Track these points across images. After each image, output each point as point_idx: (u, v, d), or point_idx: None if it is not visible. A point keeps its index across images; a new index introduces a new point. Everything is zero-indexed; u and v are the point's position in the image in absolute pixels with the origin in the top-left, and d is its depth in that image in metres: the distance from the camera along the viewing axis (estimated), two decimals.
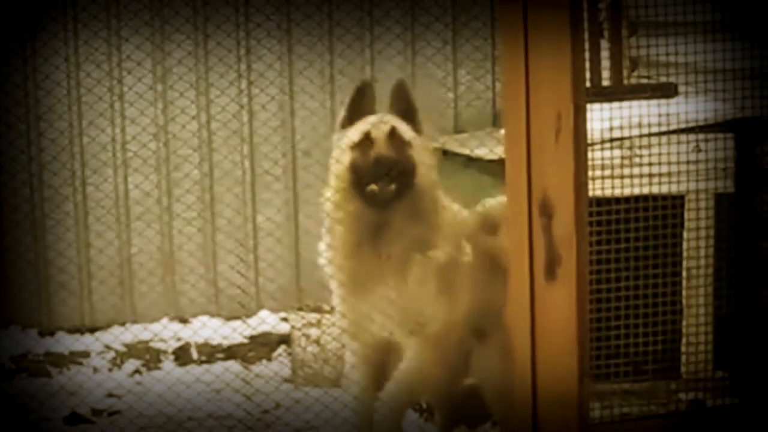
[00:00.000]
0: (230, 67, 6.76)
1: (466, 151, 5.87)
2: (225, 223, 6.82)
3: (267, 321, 6.69)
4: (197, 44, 6.76)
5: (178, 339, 6.59)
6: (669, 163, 4.85)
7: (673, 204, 4.91)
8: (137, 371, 6.40)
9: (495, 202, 4.81)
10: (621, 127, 4.77)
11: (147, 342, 6.54)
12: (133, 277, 6.77)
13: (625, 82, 5.19)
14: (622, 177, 4.87)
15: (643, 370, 4.79)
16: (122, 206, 6.76)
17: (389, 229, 4.53)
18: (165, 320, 6.72)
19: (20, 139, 6.66)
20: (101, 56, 6.68)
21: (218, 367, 6.42)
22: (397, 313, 4.56)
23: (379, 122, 4.56)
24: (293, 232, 6.86)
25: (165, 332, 6.60)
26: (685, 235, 4.96)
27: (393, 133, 4.53)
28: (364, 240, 4.52)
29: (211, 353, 6.56)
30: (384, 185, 4.47)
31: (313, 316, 6.19)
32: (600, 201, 4.66)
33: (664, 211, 4.85)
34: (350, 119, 4.61)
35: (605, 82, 4.99)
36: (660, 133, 4.90)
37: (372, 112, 4.60)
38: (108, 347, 6.50)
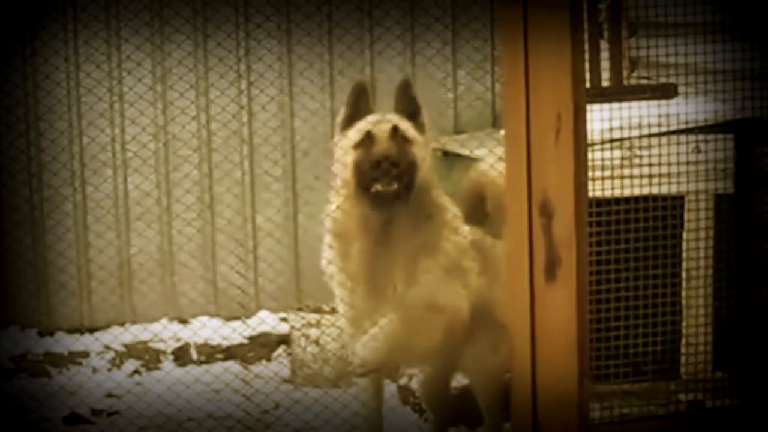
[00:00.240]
0: (230, 67, 6.76)
1: (466, 152, 5.87)
2: (225, 224, 6.82)
3: (266, 321, 6.69)
4: (197, 45, 6.76)
5: (178, 339, 6.59)
6: (669, 164, 4.85)
7: (673, 205, 4.92)
8: (137, 371, 6.41)
9: (487, 166, 4.82)
10: (621, 128, 4.77)
11: (146, 342, 6.54)
12: (133, 278, 6.77)
13: (625, 82, 5.20)
14: (622, 177, 4.87)
15: (643, 371, 4.79)
16: (122, 207, 6.76)
17: (394, 230, 4.51)
18: (164, 320, 6.72)
19: (20, 140, 6.66)
20: (101, 57, 6.68)
21: (218, 367, 6.42)
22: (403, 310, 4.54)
23: (380, 120, 4.55)
24: (293, 233, 6.86)
25: (164, 332, 6.60)
26: (684, 235, 4.96)
27: (395, 131, 4.51)
28: (371, 244, 4.50)
29: (210, 353, 6.56)
30: (387, 183, 4.45)
31: (313, 317, 6.19)
32: (600, 201, 4.66)
33: (663, 212, 4.86)
34: (350, 120, 4.59)
35: (605, 83, 5.00)
36: (660, 134, 4.90)
37: (370, 111, 4.59)
38: (107, 347, 6.50)
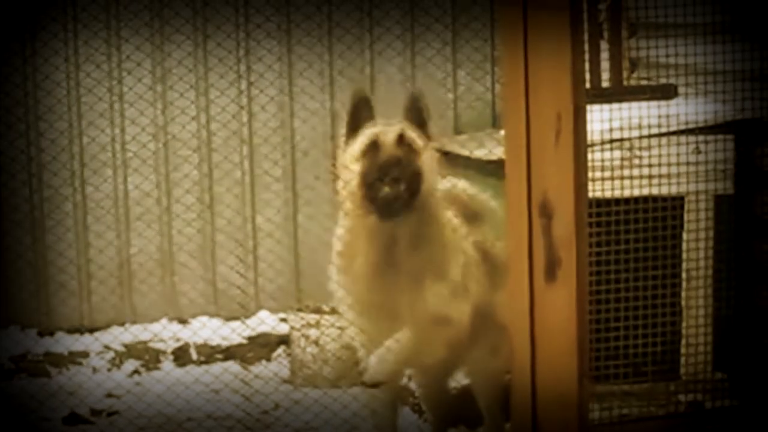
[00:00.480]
0: (230, 68, 6.76)
1: (466, 153, 5.87)
2: (224, 224, 6.82)
3: (266, 322, 6.69)
4: (197, 45, 6.77)
5: (178, 339, 6.59)
6: (669, 165, 4.85)
7: (673, 205, 4.92)
8: (136, 371, 6.41)
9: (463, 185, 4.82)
10: (621, 129, 4.78)
11: (146, 342, 6.54)
12: (133, 278, 6.77)
13: (625, 83, 5.21)
14: (622, 178, 4.87)
15: (643, 372, 4.80)
16: (122, 207, 6.76)
17: (401, 243, 4.48)
18: (164, 321, 6.72)
19: (20, 139, 6.66)
20: (101, 57, 6.68)
21: (217, 367, 6.42)
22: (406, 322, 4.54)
23: (387, 127, 4.53)
24: (293, 233, 6.86)
25: (164, 333, 6.60)
26: (684, 236, 4.96)
27: (401, 138, 4.50)
28: (380, 255, 4.48)
29: (210, 354, 6.56)
30: (394, 185, 4.42)
31: (313, 317, 6.19)
32: (600, 202, 4.67)
33: (663, 213, 4.86)
34: (352, 132, 4.56)
35: (605, 84, 5.01)
36: (660, 135, 4.90)
37: (372, 119, 4.57)
38: (107, 347, 6.50)
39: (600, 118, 4.64)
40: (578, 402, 3.46)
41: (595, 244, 4.53)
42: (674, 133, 4.89)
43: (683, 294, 4.99)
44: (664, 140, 4.88)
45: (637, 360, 4.78)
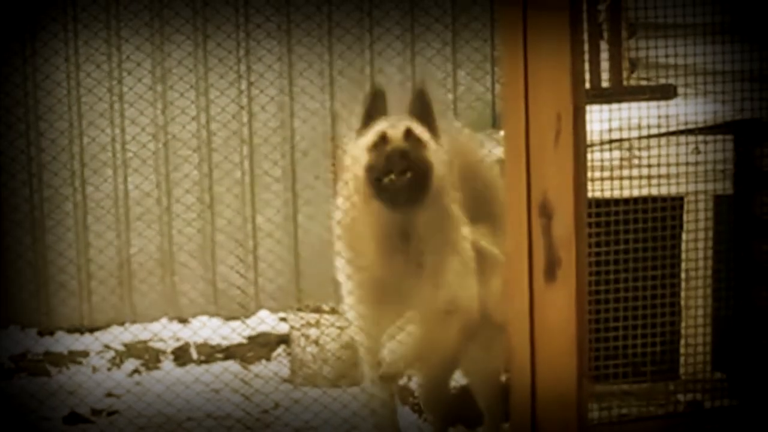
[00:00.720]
0: (230, 68, 6.77)
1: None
2: (224, 224, 6.82)
3: (266, 321, 6.69)
4: (197, 45, 6.77)
5: (178, 339, 6.59)
6: (668, 165, 4.86)
7: (673, 205, 4.92)
8: (136, 371, 6.41)
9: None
10: (620, 129, 4.78)
11: (146, 342, 6.54)
12: (133, 277, 6.77)
13: (625, 83, 5.21)
14: (621, 178, 4.87)
15: (642, 372, 4.80)
16: (122, 206, 6.76)
17: (408, 231, 4.51)
18: (164, 320, 6.72)
19: (20, 139, 6.66)
20: (101, 57, 6.69)
21: (217, 367, 6.42)
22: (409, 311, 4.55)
23: (395, 123, 4.56)
24: (293, 233, 6.87)
25: (164, 332, 6.60)
26: (684, 236, 4.97)
27: (409, 133, 4.53)
28: (383, 242, 4.50)
29: (210, 353, 6.56)
30: (400, 173, 4.44)
31: (312, 317, 6.20)
32: (599, 202, 4.67)
33: (663, 213, 4.86)
34: (365, 125, 4.60)
35: (605, 84, 5.01)
36: (659, 135, 4.91)
37: (385, 115, 4.60)
38: (107, 347, 6.50)
39: (600, 119, 4.65)
40: (577, 402, 3.46)
41: (594, 244, 4.54)
42: (674, 133, 4.90)
43: (682, 294, 4.99)
44: (663, 140, 4.89)
45: (637, 360, 4.78)
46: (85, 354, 6.46)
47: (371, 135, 4.54)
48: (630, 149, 4.93)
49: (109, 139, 6.74)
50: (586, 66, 4.55)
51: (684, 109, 4.87)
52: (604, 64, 5.01)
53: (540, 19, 3.37)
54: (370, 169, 4.50)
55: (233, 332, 6.62)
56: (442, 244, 4.53)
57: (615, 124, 4.74)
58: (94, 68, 6.67)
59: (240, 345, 6.59)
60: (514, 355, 3.46)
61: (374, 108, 4.61)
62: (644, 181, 4.88)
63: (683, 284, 4.98)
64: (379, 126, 4.55)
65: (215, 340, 6.60)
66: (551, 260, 3.41)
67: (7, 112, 6.63)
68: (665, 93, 4.95)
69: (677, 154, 4.84)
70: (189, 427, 5.63)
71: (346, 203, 4.57)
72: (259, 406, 5.89)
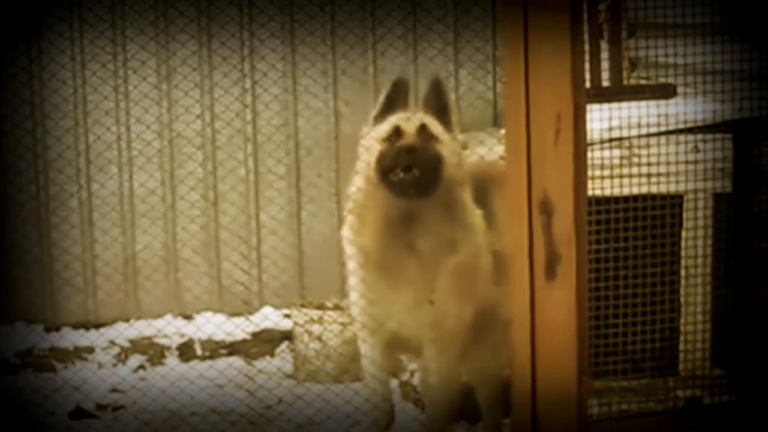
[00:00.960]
0: (234, 66, 6.78)
1: (467, 151, 5.89)
2: (229, 221, 6.83)
3: (270, 318, 6.70)
4: (201, 44, 6.78)
5: (182, 335, 6.59)
6: (668, 163, 4.85)
7: (672, 203, 4.92)
8: (141, 367, 6.42)
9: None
10: (620, 128, 4.78)
11: (151, 338, 6.54)
12: (138, 274, 6.78)
13: (625, 82, 5.20)
14: (621, 177, 4.87)
15: (641, 368, 4.80)
16: (127, 204, 6.78)
17: (416, 221, 4.52)
18: (169, 316, 6.74)
19: (26, 137, 6.68)
20: (107, 55, 6.70)
21: (221, 363, 6.43)
22: (418, 302, 4.57)
23: (410, 117, 4.58)
24: (296, 230, 6.88)
25: (169, 328, 6.60)
26: (683, 234, 4.97)
27: (423, 128, 4.54)
28: (390, 229, 4.52)
29: (214, 349, 6.57)
30: (408, 170, 4.46)
31: (316, 313, 6.21)
32: (599, 200, 4.67)
33: (662, 211, 4.86)
34: (383, 114, 4.61)
35: (605, 83, 5.01)
36: (659, 134, 4.91)
37: (405, 107, 4.61)
38: (112, 343, 6.51)
39: (600, 117, 4.65)
40: (578, 398, 3.46)
41: (594, 241, 4.55)
42: (673, 132, 4.90)
43: (682, 291, 4.99)
44: (663, 139, 4.89)
45: (636, 356, 4.78)
46: (91, 350, 6.47)
47: (386, 127, 4.56)
48: (630, 148, 4.94)
49: (115, 137, 6.75)
50: (587, 65, 4.55)
51: (683, 108, 4.87)
52: (605, 64, 5.01)
53: (541, 19, 3.38)
54: (380, 160, 4.52)
55: (237, 328, 6.63)
56: (445, 238, 4.55)
57: (615, 123, 4.74)
58: (100, 67, 6.69)
59: (244, 341, 6.60)
60: (515, 352, 3.47)
61: (395, 98, 4.61)
62: (644, 180, 4.88)
63: (683, 281, 4.98)
64: (395, 118, 4.56)
65: (219, 337, 6.60)
66: (552, 258, 3.42)
67: (14, 110, 6.63)
68: (665, 92, 4.95)
69: (677, 153, 4.83)
70: (193, 422, 5.64)
71: (358, 192, 4.58)
72: (263, 401, 5.90)
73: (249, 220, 6.86)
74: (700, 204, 4.94)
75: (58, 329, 6.65)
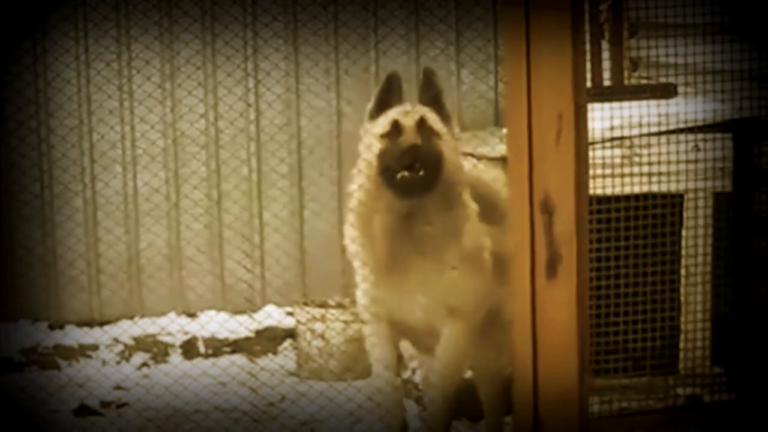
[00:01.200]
0: (238, 66, 6.78)
1: (469, 150, 5.91)
2: (232, 220, 6.84)
3: (273, 316, 6.69)
4: (205, 43, 6.79)
5: (186, 333, 6.59)
6: (668, 163, 4.85)
7: (673, 202, 4.93)
8: (145, 364, 6.43)
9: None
10: (621, 127, 4.80)
11: (155, 336, 6.55)
12: (142, 272, 6.78)
13: (626, 82, 5.21)
14: (622, 176, 4.88)
15: (642, 366, 4.81)
16: (131, 203, 6.78)
17: (417, 217, 4.52)
18: (172, 314, 6.73)
19: (31, 136, 6.68)
20: (111, 55, 6.70)
21: (225, 360, 6.43)
22: (424, 296, 4.58)
23: (408, 111, 4.56)
24: (299, 229, 6.88)
25: (172, 326, 6.60)
26: (684, 233, 4.98)
27: (422, 123, 4.53)
28: (393, 226, 4.52)
29: (217, 347, 6.58)
30: (413, 171, 4.46)
31: (318, 311, 6.23)
32: (600, 199, 4.68)
33: (663, 210, 4.86)
34: (378, 110, 4.59)
35: (606, 83, 5.02)
36: (659, 133, 4.92)
37: (400, 102, 4.60)
38: (116, 341, 6.52)
39: (601, 117, 4.66)
40: (579, 396, 3.45)
41: (595, 240, 4.56)
42: (674, 131, 4.91)
43: (682, 290, 5.00)
44: (663, 138, 4.89)
45: (637, 354, 4.79)
46: (95, 347, 6.48)
47: (384, 123, 4.54)
48: (631, 147, 4.95)
49: (119, 136, 6.75)
50: (588, 65, 4.57)
51: (684, 108, 4.87)
52: (606, 63, 5.02)
53: (542, 18, 3.37)
54: (381, 158, 4.50)
55: (240, 326, 6.64)
56: (445, 233, 4.56)
57: (616, 123, 4.75)
58: (104, 66, 6.69)
59: (247, 339, 6.60)
60: (517, 350, 3.45)
61: (389, 94, 4.59)
62: (645, 179, 4.88)
63: (683, 280, 4.99)
64: (392, 113, 4.54)
65: (222, 334, 6.60)
66: (553, 257, 3.40)
67: (19, 109, 6.63)
68: (666, 92, 4.95)
69: (677, 152, 4.84)
70: (197, 419, 5.65)
71: (360, 191, 4.57)
72: (266, 398, 5.91)
73: (252, 219, 6.86)
74: (701, 203, 4.96)
75: (62, 327, 6.65)
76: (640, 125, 4.91)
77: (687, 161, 4.86)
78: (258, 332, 6.64)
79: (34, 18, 6.64)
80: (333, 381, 6.06)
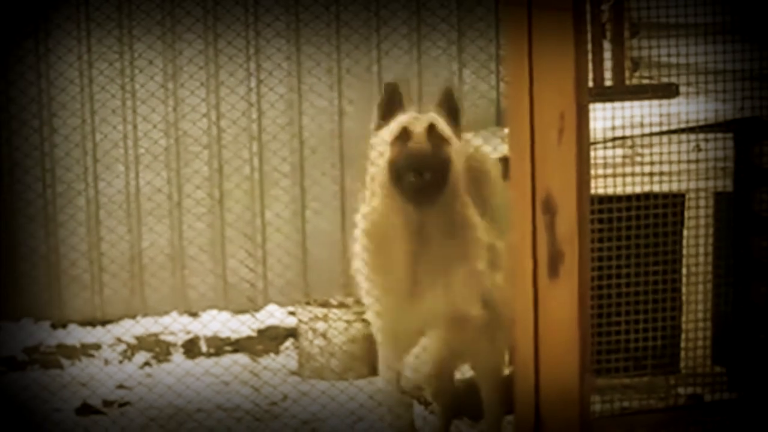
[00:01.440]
0: (240, 66, 6.79)
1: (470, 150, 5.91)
2: (234, 219, 6.84)
3: (275, 315, 6.70)
4: (208, 43, 6.80)
5: (188, 332, 6.60)
6: (669, 162, 4.86)
7: (674, 202, 4.93)
8: (147, 363, 6.44)
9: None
10: (623, 127, 4.80)
11: (157, 335, 6.56)
12: (144, 272, 6.79)
13: (627, 82, 5.22)
14: (623, 175, 4.89)
15: (643, 365, 4.81)
16: (133, 202, 6.79)
17: (429, 230, 4.53)
18: (175, 314, 6.73)
19: (34, 136, 6.68)
20: (114, 55, 6.70)
21: (227, 359, 6.44)
22: (435, 306, 4.59)
23: (417, 117, 4.57)
24: (301, 228, 6.89)
25: (175, 325, 6.61)
26: (685, 232, 4.98)
27: (432, 129, 4.53)
28: (411, 242, 4.52)
29: (219, 346, 6.58)
30: (421, 174, 4.46)
31: (320, 311, 6.24)
32: (602, 199, 4.68)
33: (664, 209, 4.87)
34: (383, 120, 4.61)
35: (608, 83, 5.02)
36: (661, 133, 4.93)
37: (403, 110, 4.61)
38: (119, 340, 6.52)
39: (603, 117, 4.66)
40: (580, 395, 3.45)
41: (597, 240, 4.57)
42: (675, 131, 4.91)
43: (683, 289, 5.00)
44: (665, 138, 4.90)
45: (638, 354, 4.79)
46: (97, 347, 6.48)
47: (394, 128, 4.55)
48: (632, 147, 4.96)
49: (121, 136, 6.76)
50: (590, 65, 4.58)
51: (685, 108, 4.88)
52: (607, 63, 5.03)
53: (544, 19, 3.37)
54: (392, 163, 4.50)
55: (242, 326, 6.64)
56: (453, 246, 4.56)
57: (618, 123, 4.74)
58: (107, 66, 6.70)
59: (249, 338, 6.60)
60: (518, 349, 3.45)
61: (391, 105, 4.61)
62: (646, 179, 4.89)
63: (684, 280, 5.00)
64: (402, 119, 4.55)
65: (225, 334, 6.60)
66: (554, 256, 3.40)
67: (22, 109, 6.64)
68: (667, 92, 4.95)
69: (678, 152, 4.84)
70: (199, 418, 5.66)
71: (373, 197, 4.56)
72: (268, 398, 5.92)
73: (254, 218, 6.87)
74: (702, 203, 4.96)
75: (64, 326, 6.65)
76: (642, 125, 4.91)
77: (688, 161, 4.87)
78: (260, 331, 6.64)
79: (37, 17, 6.65)
80: (335, 380, 6.07)
